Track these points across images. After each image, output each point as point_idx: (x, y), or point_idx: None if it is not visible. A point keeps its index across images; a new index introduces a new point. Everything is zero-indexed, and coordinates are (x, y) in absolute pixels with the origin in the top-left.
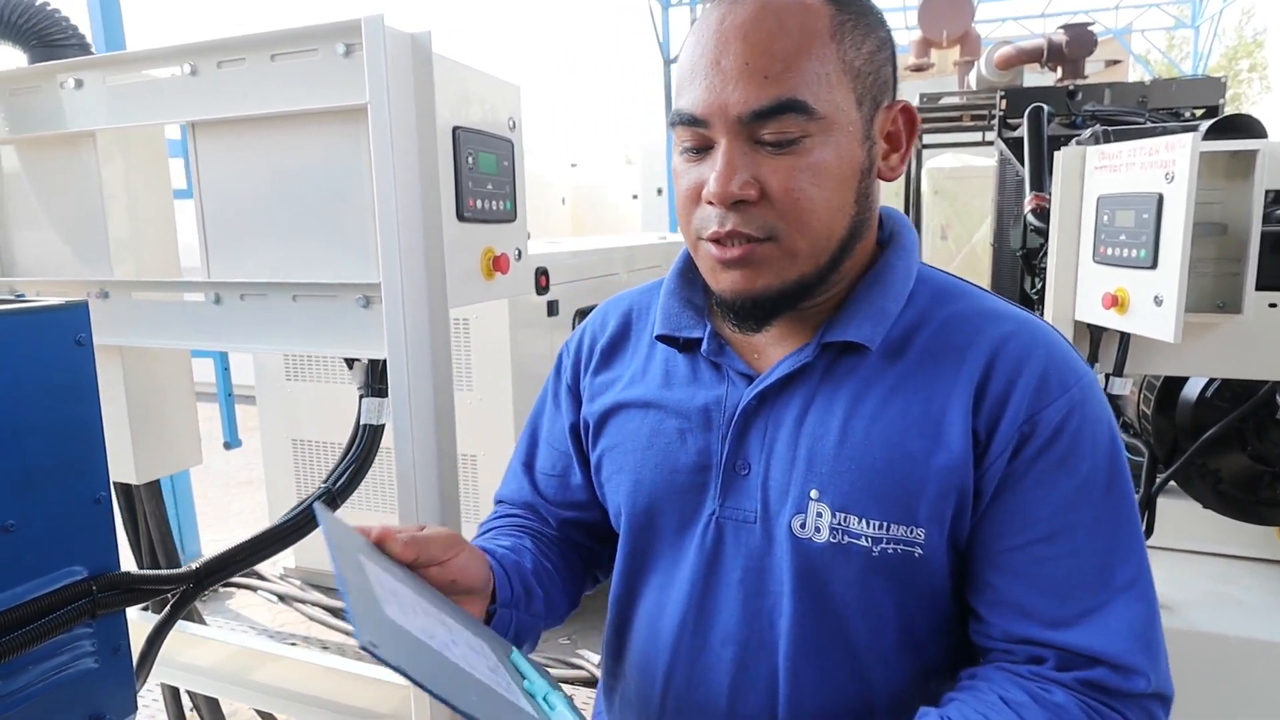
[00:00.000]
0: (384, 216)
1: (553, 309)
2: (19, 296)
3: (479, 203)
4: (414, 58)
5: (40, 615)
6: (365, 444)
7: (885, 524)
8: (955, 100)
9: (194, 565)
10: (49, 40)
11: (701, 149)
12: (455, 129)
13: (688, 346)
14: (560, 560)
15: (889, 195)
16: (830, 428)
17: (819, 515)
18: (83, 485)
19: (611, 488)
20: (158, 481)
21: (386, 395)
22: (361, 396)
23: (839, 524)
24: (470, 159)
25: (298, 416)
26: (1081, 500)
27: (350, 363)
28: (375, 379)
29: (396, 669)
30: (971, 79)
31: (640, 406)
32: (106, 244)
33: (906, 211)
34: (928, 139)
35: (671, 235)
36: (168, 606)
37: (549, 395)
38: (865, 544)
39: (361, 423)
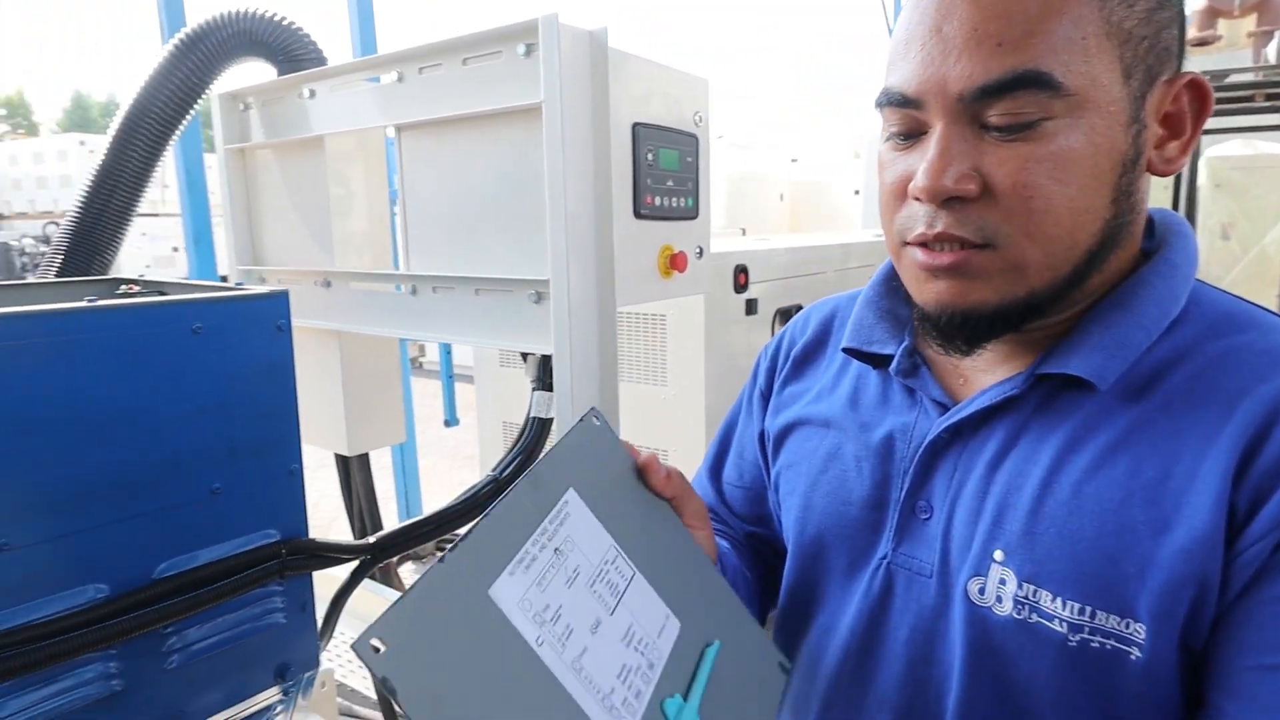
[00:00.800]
0: (554, 213)
1: (751, 307)
2: (237, 285)
3: (658, 199)
4: (591, 54)
5: (239, 570)
6: (533, 436)
7: (1088, 610)
8: (1248, 77)
9: (371, 539)
10: (293, 55)
11: (911, 135)
12: (635, 125)
13: (879, 363)
14: (754, 573)
15: (1154, 190)
16: (1030, 477)
17: (1001, 582)
18: (279, 457)
19: (785, 509)
20: (367, 455)
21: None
22: (533, 389)
23: (1025, 597)
24: (650, 155)
25: (508, 401)
26: None
27: (525, 356)
28: (545, 373)
29: (381, 678)
30: (1270, 51)
31: (821, 425)
32: (330, 238)
33: (1175, 208)
34: (1209, 123)
35: None
36: (350, 573)
37: (743, 402)
38: (1059, 629)
39: (530, 415)
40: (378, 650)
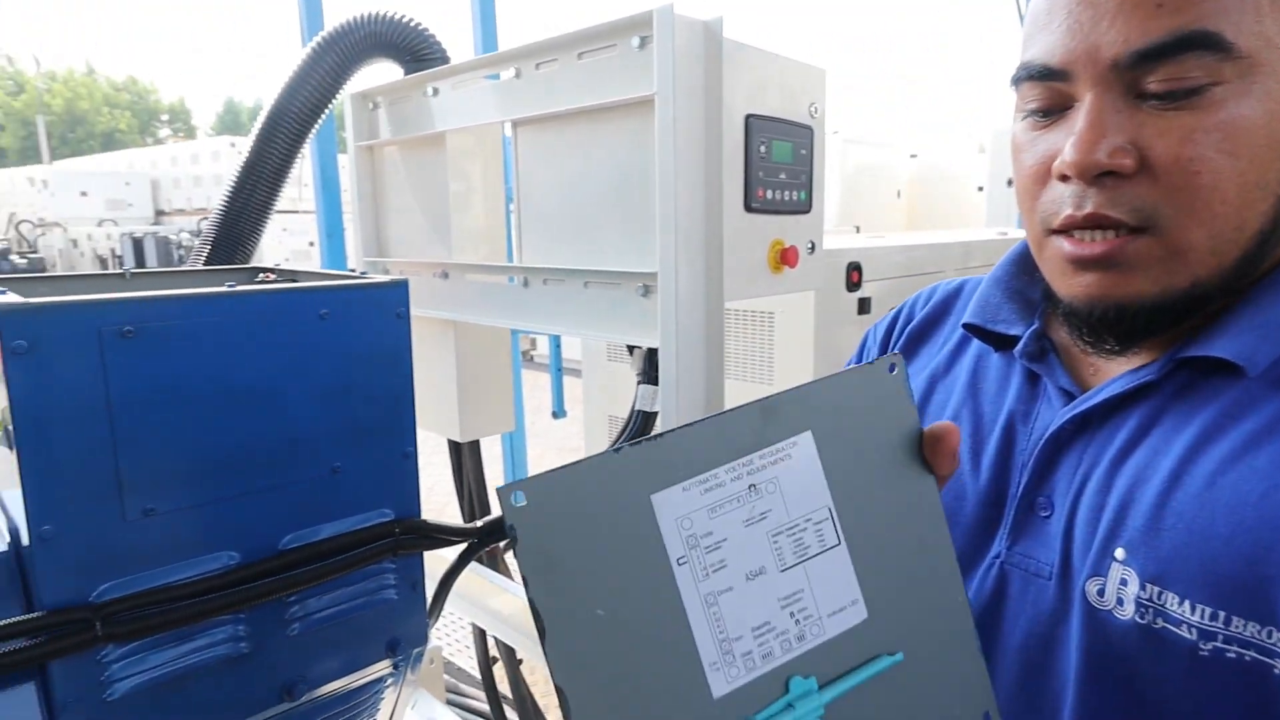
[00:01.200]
0: (664, 205)
1: (864, 306)
2: (362, 274)
3: (769, 193)
4: (705, 45)
5: (356, 546)
6: (637, 429)
7: (1223, 615)
8: None
9: (479, 523)
10: (420, 55)
11: (1052, 111)
12: (748, 116)
13: (1001, 344)
14: None
15: None
16: (1159, 469)
17: (1122, 583)
18: (395, 440)
19: None
20: (478, 441)
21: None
22: (638, 383)
23: (1149, 599)
24: (763, 147)
25: (615, 394)
26: None
27: (632, 350)
28: (651, 367)
29: (509, 527)
30: None
31: (934, 414)
32: (449, 232)
33: None
34: None
35: (1015, 231)
36: (458, 555)
37: None
38: (1189, 636)
39: (635, 408)
40: (518, 501)
